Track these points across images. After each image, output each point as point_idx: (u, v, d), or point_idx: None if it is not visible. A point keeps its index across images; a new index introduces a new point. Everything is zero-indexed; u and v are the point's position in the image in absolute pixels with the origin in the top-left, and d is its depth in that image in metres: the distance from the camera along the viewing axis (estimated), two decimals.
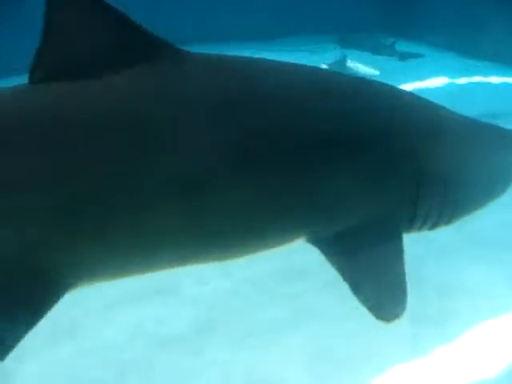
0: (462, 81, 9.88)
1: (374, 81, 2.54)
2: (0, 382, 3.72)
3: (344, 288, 2.25)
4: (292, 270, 4.79)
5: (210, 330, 4.16)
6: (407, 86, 9.53)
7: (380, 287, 2.15)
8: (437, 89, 9.42)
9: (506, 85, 9.79)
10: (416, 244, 4.93)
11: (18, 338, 1.87)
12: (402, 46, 11.75)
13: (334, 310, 4.15)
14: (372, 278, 2.16)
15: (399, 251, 2.28)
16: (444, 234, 5.24)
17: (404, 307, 2.19)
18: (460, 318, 4.22)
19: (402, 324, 3.53)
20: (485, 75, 10.05)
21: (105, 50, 1.88)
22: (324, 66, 8.84)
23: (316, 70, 2.46)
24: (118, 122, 1.83)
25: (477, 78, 9.99)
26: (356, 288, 2.18)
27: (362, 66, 9.42)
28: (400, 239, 2.33)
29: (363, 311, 2.17)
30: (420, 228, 2.51)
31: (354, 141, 2.14)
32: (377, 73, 9.31)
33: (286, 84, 2.08)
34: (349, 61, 9.54)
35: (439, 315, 3.75)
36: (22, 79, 1.99)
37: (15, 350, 3.80)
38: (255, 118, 1.93)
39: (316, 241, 2.31)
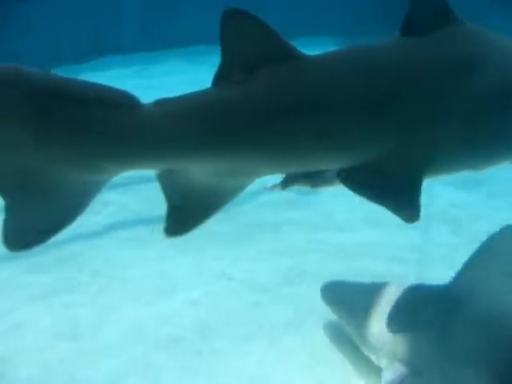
0: None
1: None
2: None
3: None
4: (293, 271, 4.79)
5: (211, 331, 4.15)
6: None
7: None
8: None
9: None
10: (413, 250, 5.00)
11: None
12: None
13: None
14: None
15: None
16: (445, 238, 5.29)
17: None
18: None
19: None
20: None
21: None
22: None
23: None
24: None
25: None
26: None
27: None
28: None
29: None
30: None
31: None
32: None
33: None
34: None
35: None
36: None
37: (13, 349, 3.82)
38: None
39: None
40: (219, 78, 2.09)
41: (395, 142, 2.18)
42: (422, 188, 2.32)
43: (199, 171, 2.11)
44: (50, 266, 4.84)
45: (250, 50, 2.07)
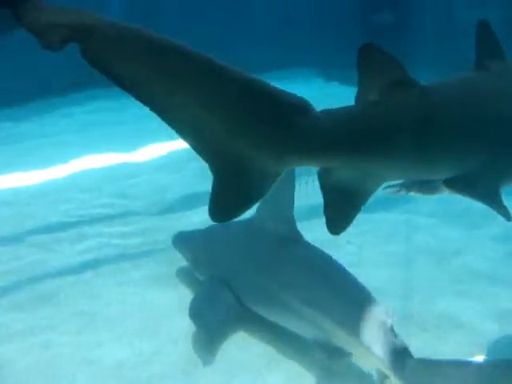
0: None
1: None
2: None
3: None
4: None
5: (195, 369, 4.09)
6: None
7: None
8: None
9: None
10: (400, 282, 4.98)
11: None
12: None
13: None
14: None
15: None
16: (427, 271, 5.28)
17: None
18: (447, 354, 4.17)
19: None
20: None
21: None
22: None
23: None
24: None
25: None
26: None
27: None
28: None
29: None
30: None
31: None
32: None
33: None
34: None
35: (424, 353, 3.69)
36: None
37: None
38: None
39: None
40: (359, 98, 2.58)
41: (487, 157, 2.71)
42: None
43: (347, 172, 2.57)
44: (30, 304, 4.74)
45: (381, 77, 2.56)
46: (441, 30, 11.65)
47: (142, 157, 7.92)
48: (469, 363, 3.66)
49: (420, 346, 3.95)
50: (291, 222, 4.37)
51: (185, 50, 2.26)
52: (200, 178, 5.42)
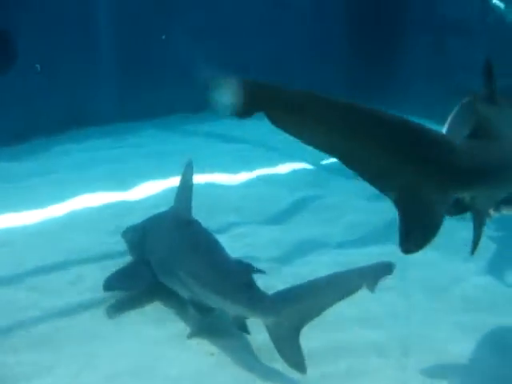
0: None
1: None
2: None
3: None
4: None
5: None
6: None
7: None
8: None
9: None
10: (396, 317, 4.98)
11: None
12: None
13: None
14: None
15: None
16: (424, 303, 5.27)
17: None
18: None
19: None
20: None
21: None
22: None
23: None
24: None
25: None
26: None
27: None
28: None
29: None
30: None
31: None
32: None
33: None
34: None
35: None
36: None
37: None
38: None
39: None
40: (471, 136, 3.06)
41: None
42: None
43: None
44: (27, 347, 4.70)
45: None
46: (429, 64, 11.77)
47: (137, 195, 7.97)
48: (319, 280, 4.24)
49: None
50: (188, 210, 5.39)
51: (354, 107, 2.67)
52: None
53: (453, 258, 6.07)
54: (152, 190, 8.07)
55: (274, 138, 8.90)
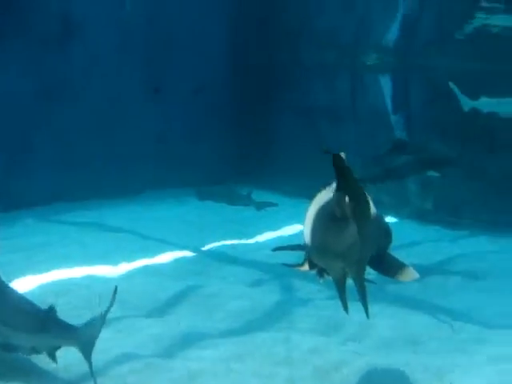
0: None
1: None
2: None
3: None
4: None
5: None
6: (264, 234, 10.02)
7: None
8: (290, 236, 9.76)
9: None
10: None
11: None
12: (258, 196, 12.26)
13: None
14: None
15: None
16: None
17: None
18: None
19: None
20: None
21: None
22: None
23: None
24: None
25: None
26: None
27: None
28: None
29: None
30: None
31: None
32: None
33: None
34: None
35: None
36: None
37: None
38: None
39: None
40: None
41: None
42: None
43: None
44: None
45: None
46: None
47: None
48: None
49: None
50: None
51: None
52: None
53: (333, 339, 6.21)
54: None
55: (148, 225, 9.31)
